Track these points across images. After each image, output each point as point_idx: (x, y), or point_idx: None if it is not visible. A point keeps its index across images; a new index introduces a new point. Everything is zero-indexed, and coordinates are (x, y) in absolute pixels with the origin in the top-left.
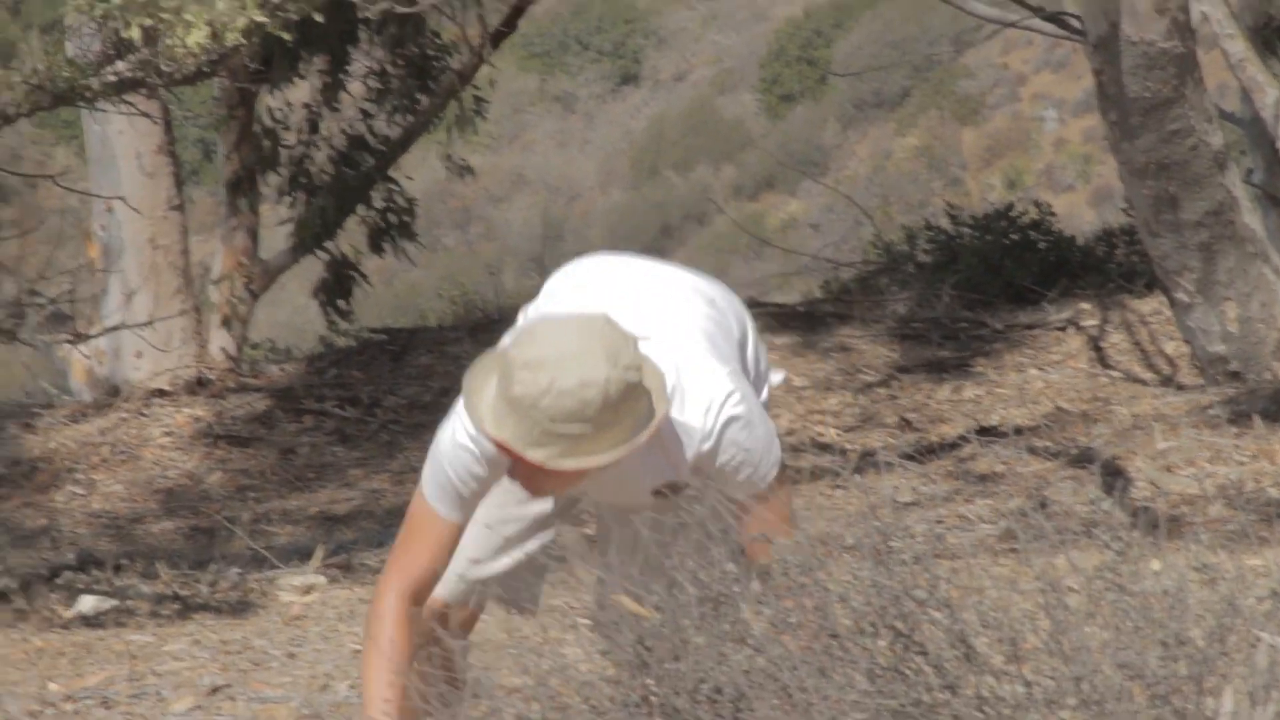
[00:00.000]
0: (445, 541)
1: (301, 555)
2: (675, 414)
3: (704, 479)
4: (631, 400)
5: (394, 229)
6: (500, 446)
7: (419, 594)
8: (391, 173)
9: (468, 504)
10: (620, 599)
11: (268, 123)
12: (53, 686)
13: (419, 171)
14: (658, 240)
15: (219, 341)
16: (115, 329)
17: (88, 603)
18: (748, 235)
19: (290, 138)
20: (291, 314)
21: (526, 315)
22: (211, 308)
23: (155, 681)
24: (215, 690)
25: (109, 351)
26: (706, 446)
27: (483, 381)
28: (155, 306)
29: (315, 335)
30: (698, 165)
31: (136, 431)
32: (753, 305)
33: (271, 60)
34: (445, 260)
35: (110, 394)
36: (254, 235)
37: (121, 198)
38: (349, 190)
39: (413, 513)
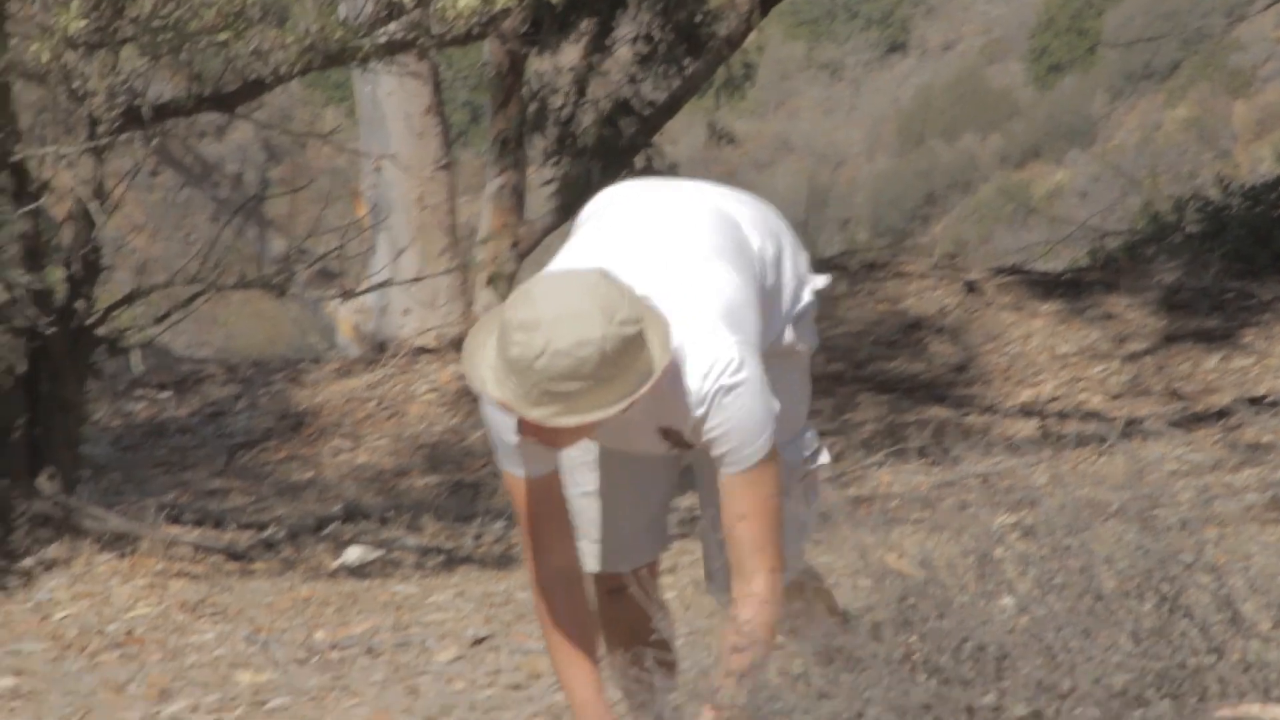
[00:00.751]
0: (543, 496)
1: None
2: (676, 374)
3: (699, 440)
4: (631, 354)
5: None
6: (503, 406)
7: (558, 560)
8: (656, 138)
9: (530, 455)
10: (884, 554)
11: (535, 86)
12: (319, 635)
13: (684, 137)
14: (921, 208)
15: (484, 300)
16: (382, 286)
17: (354, 554)
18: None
19: (557, 100)
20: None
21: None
22: (477, 267)
23: (420, 631)
24: (479, 641)
25: (376, 308)
26: (699, 411)
27: (483, 341)
28: (422, 264)
29: None
30: (964, 134)
31: (402, 388)
32: (1017, 273)
33: (540, 23)
34: None
35: (376, 350)
36: (520, 196)
37: (391, 156)
38: (614, 153)
39: (506, 489)
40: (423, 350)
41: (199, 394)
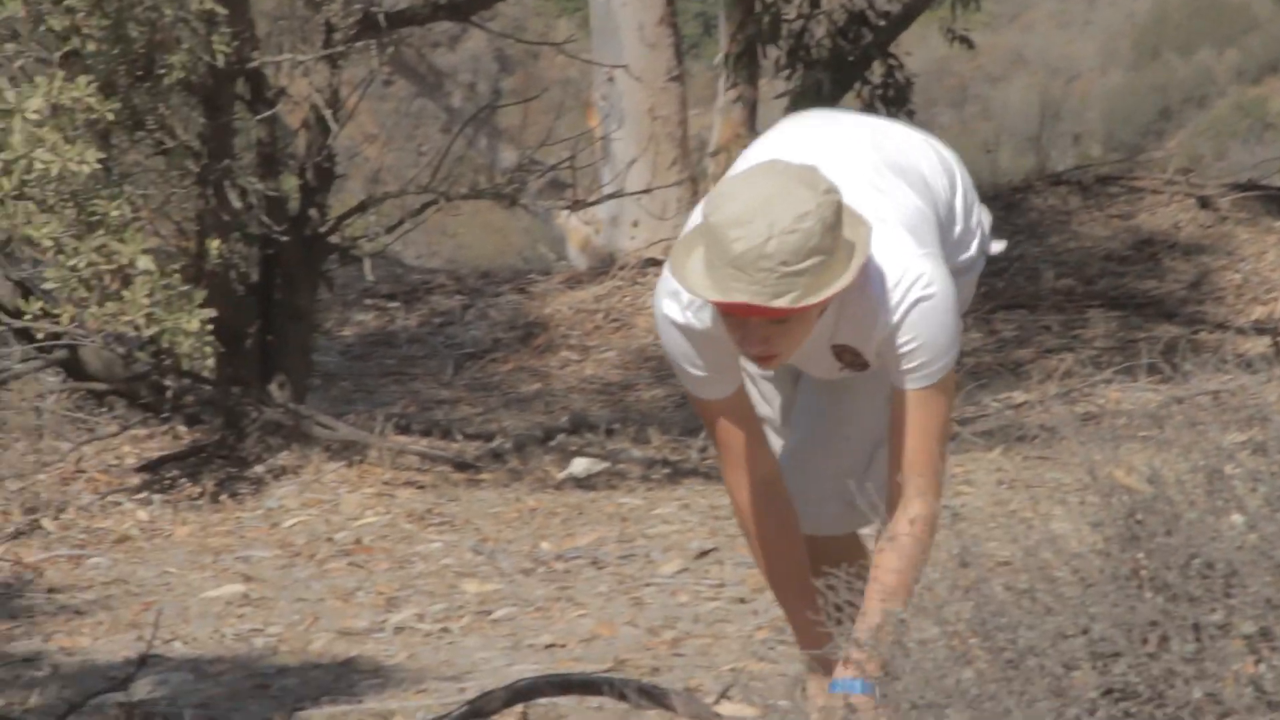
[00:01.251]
0: (737, 414)
1: None
2: (864, 285)
3: (880, 360)
4: (842, 222)
5: (890, 104)
6: (735, 311)
7: (762, 470)
8: (890, 49)
9: (717, 375)
10: (1113, 470)
11: None
12: (544, 545)
13: (918, 49)
14: (1155, 123)
15: None
16: (612, 197)
17: (580, 465)
18: (1249, 119)
19: (790, 12)
20: None
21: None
22: (707, 179)
23: (644, 544)
24: (703, 554)
25: (606, 220)
26: (892, 320)
27: (686, 260)
28: (653, 176)
29: None
30: (1200, 48)
31: (630, 300)
32: (1252, 189)
33: None
34: (941, 138)
35: (606, 262)
36: (752, 108)
37: (623, 67)
38: (847, 65)
39: (698, 413)
40: (651, 262)
41: (428, 304)
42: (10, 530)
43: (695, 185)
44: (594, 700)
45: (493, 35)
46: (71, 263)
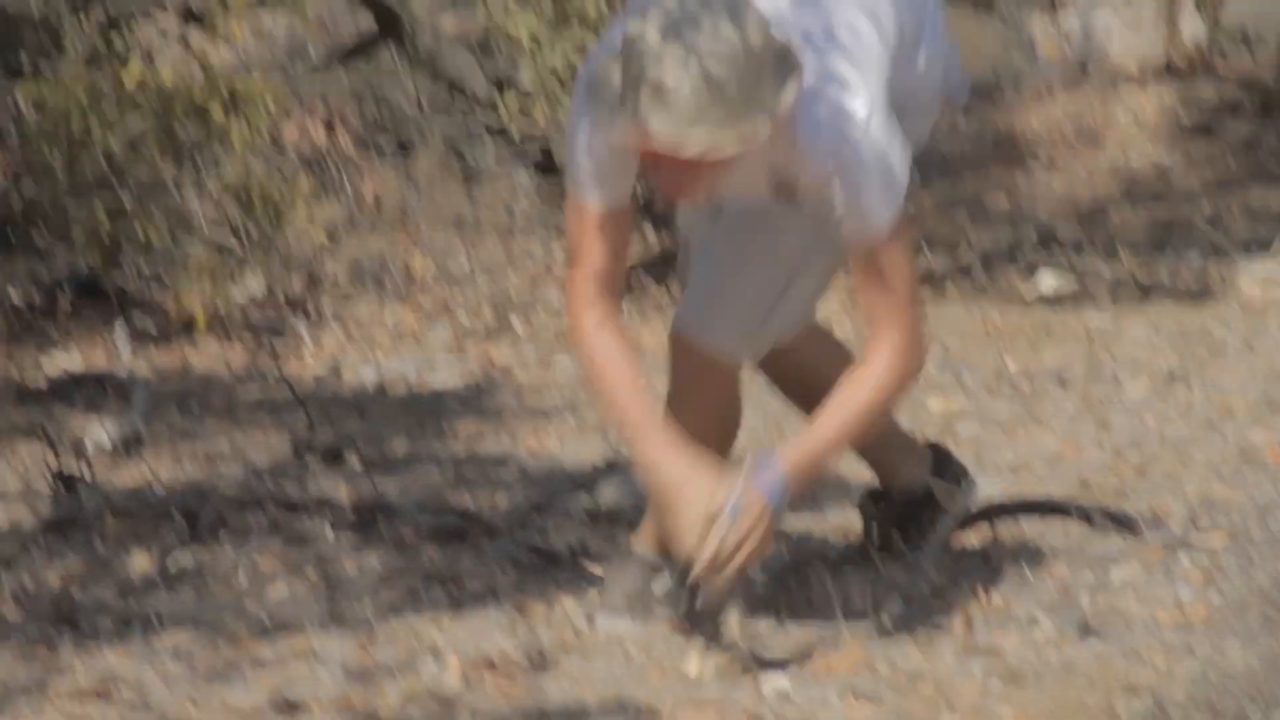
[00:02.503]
0: (613, 230)
1: (1261, 245)
2: (791, 130)
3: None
4: (770, 59)
5: None
6: (645, 155)
7: (609, 304)
8: None
9: (613, 177)
10: None
11: None
12: (1009, 363)
13: None
14: None
15: (1190, 26)
16: (1085, 6)
17: (1047, 281)
18: None
19: None
20: (1264, 3)
21: None
22: None
23: (1111, 364)
24: (1171, 377)
25: (1079, 30)
26: (823, 170)
27: (610, 88)
28: None
29: None
30: None
31: (1102, 115)
32: None
33: None
34: None
35: (1077, 74)
36: None
37: None
38: None
39: (568, 223)
40: (1125, 76)
41: None
42: (481, 329)
43: None
44: (1058, 522)
45: None
46: (548, 60)
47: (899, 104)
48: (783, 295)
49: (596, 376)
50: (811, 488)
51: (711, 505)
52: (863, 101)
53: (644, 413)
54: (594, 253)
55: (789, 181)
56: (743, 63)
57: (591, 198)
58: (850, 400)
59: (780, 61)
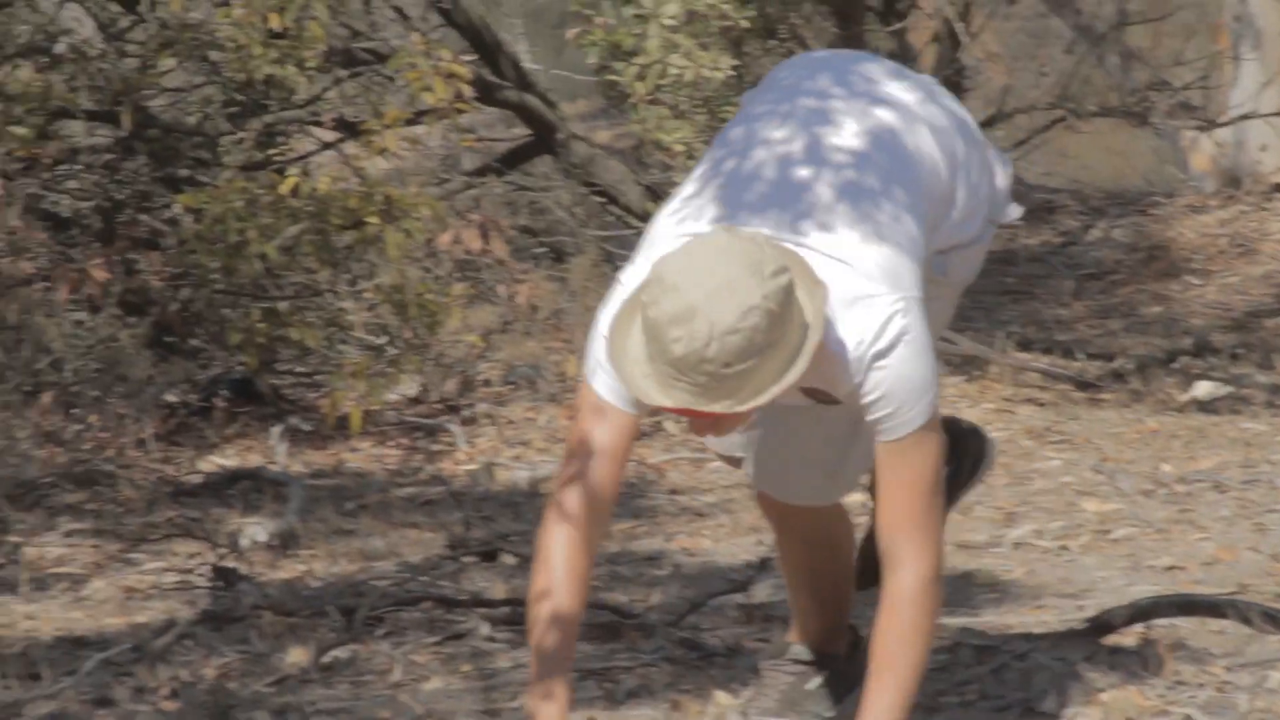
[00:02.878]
0: (616, 438)
1: None
2: (824, 346)
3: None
4: (792, 305)
5: None
6: (682, 413)
7: (585, 515)
8: None
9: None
10: None
11: None
12: (1165, 467)
13: None
14: None
15: None
16: (1243, 119)
17: (1203, 388)
18: None
19: None
20: None
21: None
22: None
23: (1269, 469)
24: None
25: (1233, 142)
26: (854, 380)
27: (624, 345)
28: None
29: None
30: None
31: (1256, 225)
32: None
33: None
34: None
35: (1231, 185)
36: None
37: None
38: None
39: (575, 410)
40: (1277, 187)
41: (1049, 223)
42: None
43: None
44: (1215, 623)
45: None
46: None
47: (942, 248)
48: (850, 445)
49: (535, 573)
50: None
51: None
52: (890, 307)
53: (548, 652)
54: (593, 451)
55: (824, 391)
56: (764, 320)
57: (603, 389)
58: (900, 659)
59: (794, 277)
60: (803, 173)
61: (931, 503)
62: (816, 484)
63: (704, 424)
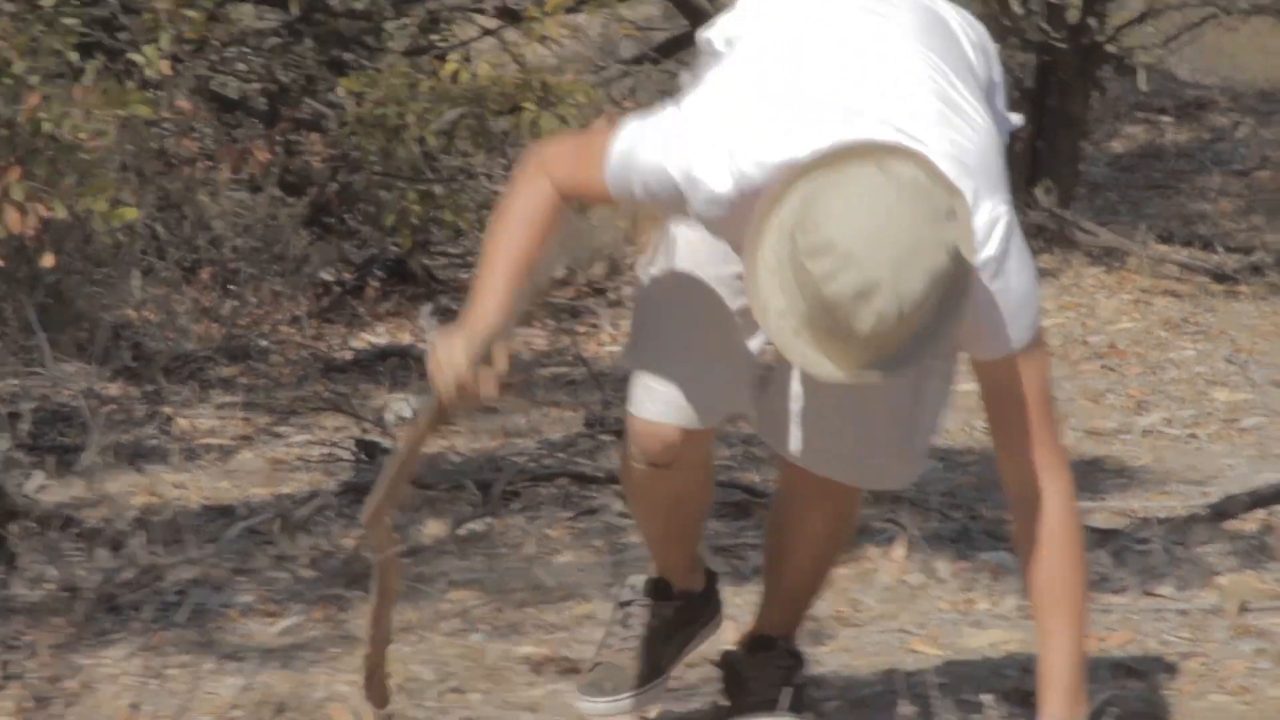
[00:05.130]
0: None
1: None
2: None
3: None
4: (964, 242)
5: None
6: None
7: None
8: None
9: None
10: None
11: None
12: None
13: None
14: None
15: None
16: None
17: None
18: None
19: None
20: None
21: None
22: None
23: None
24: None
25: None
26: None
27: (781, 305)
28: None
29: None
30: None
31: None
32: None
33: None
34: None
35: None
36: None
37: None
38: None
39: (595, 143)
40: None
41: (1200, 120)
42: None
43: None
44: None
45: None
46: None
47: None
48: (916, 414)
49: (506, 217)
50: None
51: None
52: (996, 209)
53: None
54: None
55: None
56: (950, 279)
57: (624, 196)
58: (1069, 594)
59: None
60: (886, 65)
61: (1054, 417)
62: (881, 465)
63: None
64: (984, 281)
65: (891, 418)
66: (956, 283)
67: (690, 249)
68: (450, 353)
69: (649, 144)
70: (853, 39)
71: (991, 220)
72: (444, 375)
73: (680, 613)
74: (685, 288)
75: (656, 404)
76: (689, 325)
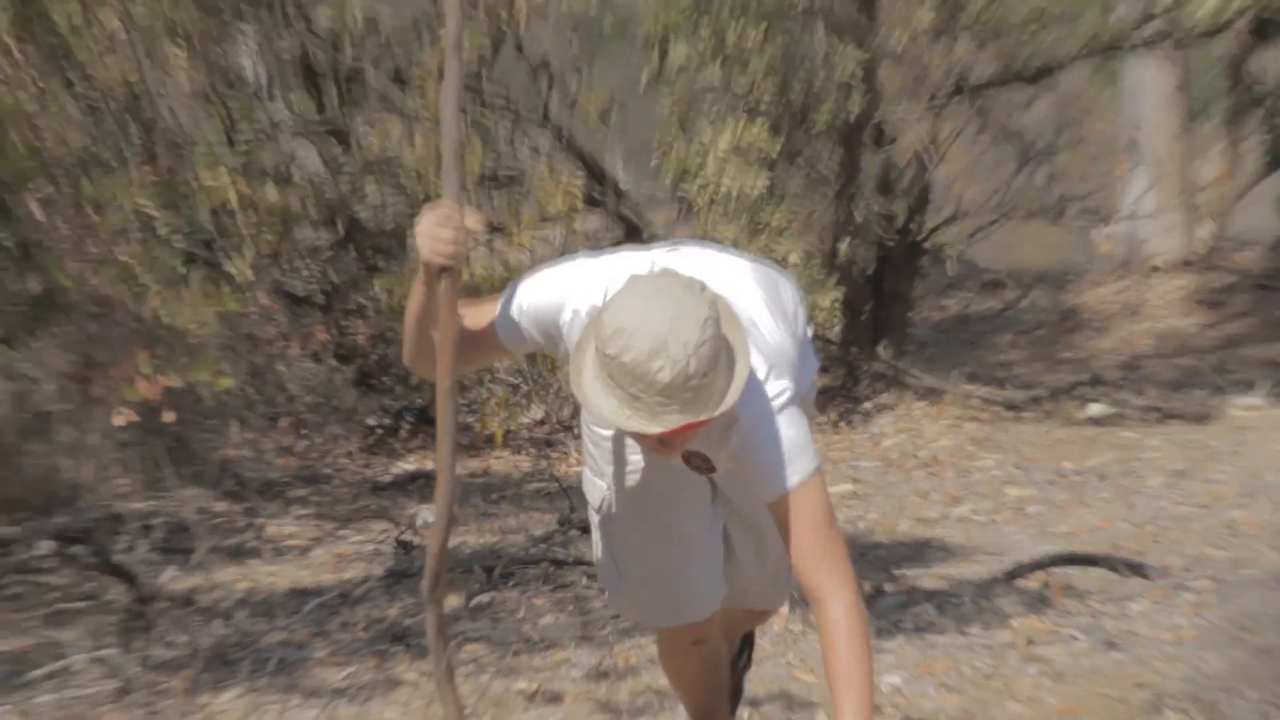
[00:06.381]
0: (485, 341)
1: (1247, 385)
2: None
3: (734, 468)
4: (719, 305)
5: None
6: (669, 433)
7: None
8: None
9: (527, 331)
10: None
11: (1252, 74)
12: (1066, 464)
13: None
14: None
15: (1203, 233)
16: (1130, 218)
17: (1095, 409)
18: None
19: (1263, 88)
20: (1260, 218)
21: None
22: (1200, 208)
23: (1138, 465)
24: (1179, 474)
25: (1124, 237)
26: (736, 439)
27: (597, 388)
28: (1159, 205)
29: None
30: None
31: (1138, 295)
32: None
33: (1262, 30)
34: None
35: (1121, 267)
36: (1236, 158)
37: (1140, 126)
38: None
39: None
40: (1155, 268)
41: (995, 295)
42: None
43: (1189, 212)
44: (1094, 571)
45: (1053, 101)
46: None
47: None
48: (780, 556)
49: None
50: None
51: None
52: (775, 380)
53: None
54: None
55: (706, 455)
56: (716, 325)
57: (507, 330)
58: (854, 675)
59: (727, 318)
60: (722, 268)
61: (834, 536)
62: (770, 584)
63: (678, 443)
64: (763, 427)
65: (777, 561)
66: (720, 337)
67: (602, 451)
68: (431, 212)
69: (534, 292)
70: (697, 268)
71: (779, 389)
72: (430, 234)
73: None
74: (630, 494)
75: (668, 612)
76: (655, 533)
